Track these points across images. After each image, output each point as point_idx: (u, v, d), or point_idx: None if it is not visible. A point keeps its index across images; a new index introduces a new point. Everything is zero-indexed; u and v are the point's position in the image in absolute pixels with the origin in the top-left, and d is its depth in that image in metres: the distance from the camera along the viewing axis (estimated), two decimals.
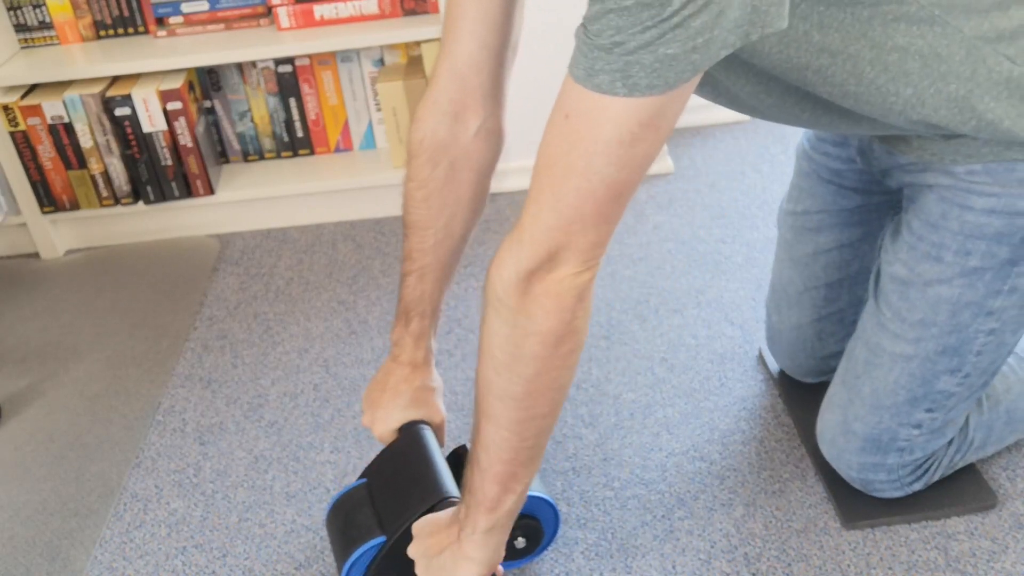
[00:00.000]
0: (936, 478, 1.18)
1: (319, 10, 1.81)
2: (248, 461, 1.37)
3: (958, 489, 1.19)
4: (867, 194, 1.19)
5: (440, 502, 1.05)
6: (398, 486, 1.09)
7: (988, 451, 1.21)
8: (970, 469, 1.22)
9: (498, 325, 0.85)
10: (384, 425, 1.14)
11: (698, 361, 1.46)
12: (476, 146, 1.05)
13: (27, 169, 1.84)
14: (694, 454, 1.30)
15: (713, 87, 0.97)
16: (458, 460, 1.14)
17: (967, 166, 0.97)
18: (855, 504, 1.18)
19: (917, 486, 1.17)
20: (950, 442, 1.16)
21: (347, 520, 1.10)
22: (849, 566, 1.12)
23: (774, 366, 1.41)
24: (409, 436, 1.14)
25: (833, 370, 1.33)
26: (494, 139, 1.07)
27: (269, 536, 1.24)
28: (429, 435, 1.14)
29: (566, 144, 0.77)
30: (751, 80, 0.94)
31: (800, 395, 1.36)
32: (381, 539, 1.05)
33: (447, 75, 1.02)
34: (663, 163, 1.99)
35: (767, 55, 0.87)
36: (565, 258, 0.81)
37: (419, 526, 1.03)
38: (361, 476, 1.14)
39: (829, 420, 1.17)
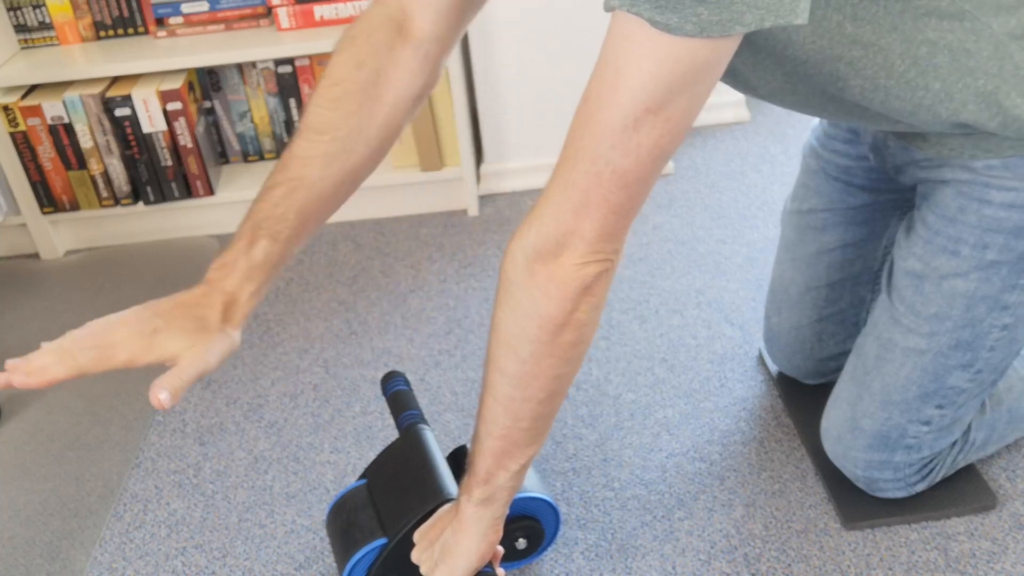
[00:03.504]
0: (939, 478, 1.18)
1: (319, 10, 1.81)
2: (248, 461, 1.37)
3: (958, 490, 1.19)
4: (875, 192, 1.20)
5: (441, 504, 1.05)
6: (399, 487, 1.09)
7: (989, 450, 1.21)
8: (970, 470, 1.22)
9: (504, 300, 0.87)
10: (128, 343, 0.86)
11: (698, 362, 1.46)
12: (408, 64, 0.94)
13: (27, 170, 1.84)
14: (694, 455, 1.30)
15: (742, 79, 0.98)
16: (458, 460, 1.14)
17: (985, 161, 0.98)
18: (855, 505, 1.18)
19: (921, 486, 1.17)
20: (954, 443, 1.16)
21: (348, 521, 1.09)
22: (849, 567, 1.12)
23: (774, 367, 1.41)
24: (410, 437, 1.14)
25: (831, 372, 1.33)
26: (429, 67, 0.96)
27: (269, 536, 1.24)
28: (429, 435, 1.14)
29: (580, 127, 0.79)
30: (778, 76, 0.94)
31: (800, 395, 1.36)
32: (383, 540, 1.05)
33: (397, 14, 0.94)
34: None
35: (800, 45, 0.88)
36: (572, 244, 0.82)
37: (420, 532, 1.03)
38: (361, 476, 1.14)
39: (836, 417, 1.17)
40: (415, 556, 1.03)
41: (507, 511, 1.00)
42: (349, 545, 1.07)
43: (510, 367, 0.88)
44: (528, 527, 1.11)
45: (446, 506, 1.04)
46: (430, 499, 1.05)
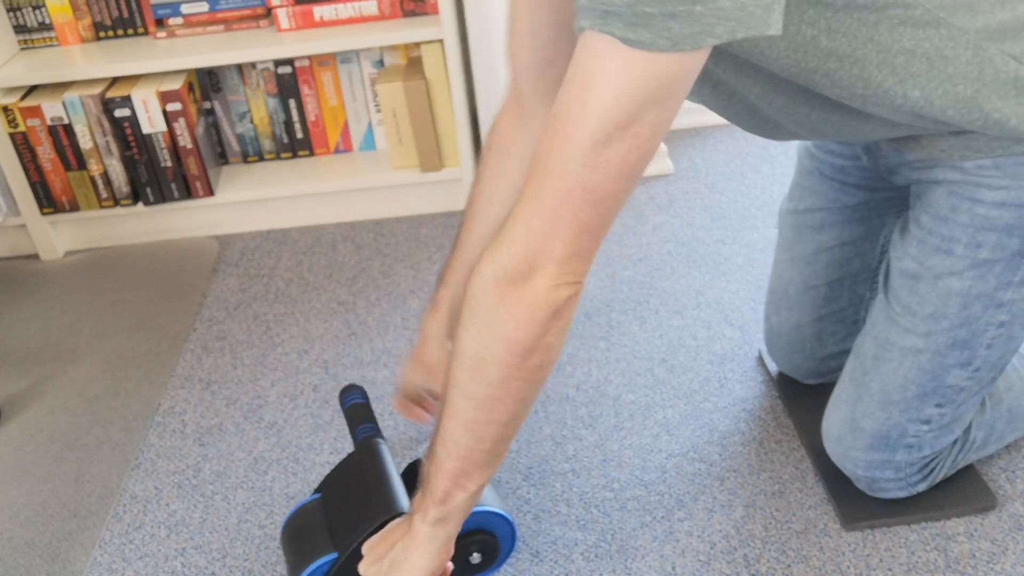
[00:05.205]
0: (940, 478, 1.18)
1: (319, 11, 1.81)
2: (248, 462, 1.37)
3: (958, 490, 1.19)
4: (871, 191, 1.20)
5: (392, 518, 1.04)
6: (352, 501, 1.09)
7: (989, 450, 1.21)
8: (970, 470, 1.22)
9: (471, 323, 0.86)
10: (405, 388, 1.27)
11: (698, 362, 1.46)
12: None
13: (27, 170, 1.84)
14: (694, 455, 1.30)
15: (726, 89, 0.97)
16: (413, 475, 1.13)
17: (976, 161, 0.98)
18: (855, 505, 1.18)
19: (922, 486, 1.17)
20: (954, 442, 1.16)
21: (300, 535, 1.09)
22: (849, 567, 1.12)
23: (774, 367, 1.41)
24: (364, 450, 1.13)
25: (831, 371, 1.34)
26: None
27: (269, 537, 1.24)
28: (384, 450, 1.14)
29: (549, 144, 0.79)
30: (759, 80, 0.94)
31: (800, 396, 1.36)
32: (333, 555, 1.05)
33: (512, 87, 1.11)
34: (663, 164, 1.99)
35: (775, 60, 0.88)
36: (542, 265, 0.81)
37: (368, 545, 1.02)
38: (316, 491, 1.14)
39: (836, 418, 1.17)
40: (363, 569, 1.01)
41: (459, 530, 0.99)
42: (300, 560, 1.06)
43: (476, 390, 0.88)
44: (483, 541, 1.10)
45: (396, 520, 1.02)
46: (380, 513, 1.05)
